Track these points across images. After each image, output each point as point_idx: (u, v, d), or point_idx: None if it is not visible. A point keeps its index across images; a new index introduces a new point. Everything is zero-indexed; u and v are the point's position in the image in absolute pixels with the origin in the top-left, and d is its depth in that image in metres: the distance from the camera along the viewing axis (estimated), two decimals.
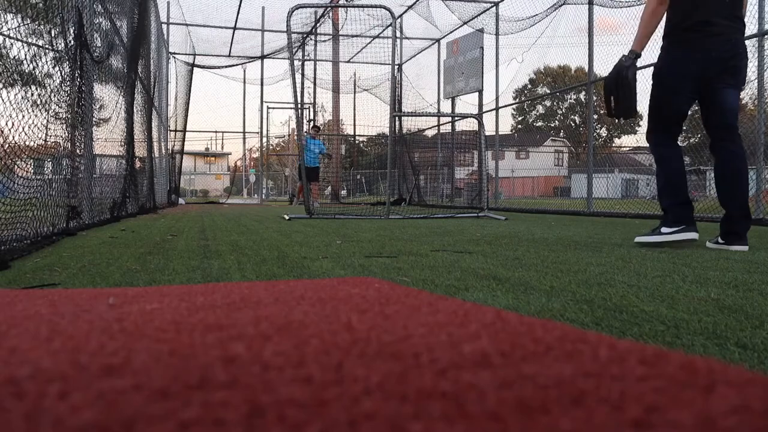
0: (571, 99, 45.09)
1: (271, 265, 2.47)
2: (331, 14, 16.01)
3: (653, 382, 0.68)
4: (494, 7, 12.14)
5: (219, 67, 18.65)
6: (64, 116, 4.14)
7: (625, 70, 3.36)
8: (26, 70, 3.46)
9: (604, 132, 41.45)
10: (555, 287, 1.84)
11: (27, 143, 3.23)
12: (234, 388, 0.66)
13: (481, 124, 9.25)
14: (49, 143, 3.75)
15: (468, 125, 13.71)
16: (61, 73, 4.10)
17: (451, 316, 1.11)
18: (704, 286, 1.88)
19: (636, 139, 43.20)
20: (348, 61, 17.87)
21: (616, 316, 1.41)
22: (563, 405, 0.60)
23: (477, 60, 12.84)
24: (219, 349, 0.85)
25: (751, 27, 5.81)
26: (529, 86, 41.78)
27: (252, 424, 0.55)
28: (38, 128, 3.41)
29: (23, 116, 3.12)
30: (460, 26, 13.49)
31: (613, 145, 41.83)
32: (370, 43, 16.23)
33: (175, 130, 16.74)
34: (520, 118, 48.35)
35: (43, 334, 0.97)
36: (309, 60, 17.50)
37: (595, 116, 10.48)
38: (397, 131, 14.71)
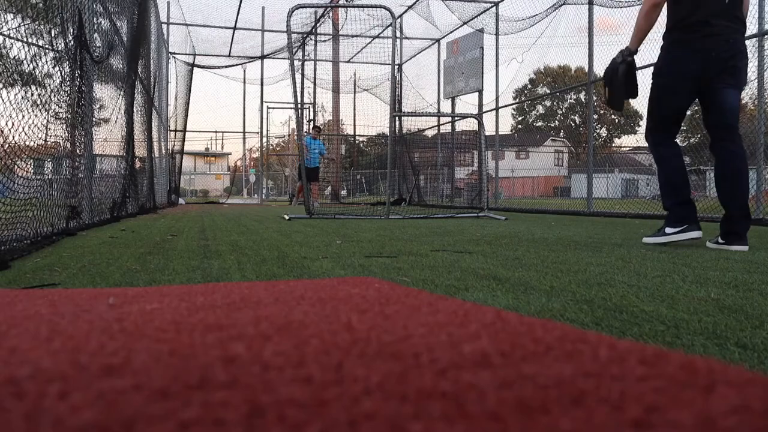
0: (571, 99, 45.10)
1: (271, 265, 2.47)
2: (331, 14, 16.02)
3: (653, 382, 0.68)
4: (494, 7, 12.14)
5: (219, 67, 18.65)
6: (64, 116, 4.14)
7: (617, 66, 3.46)
8: (26, 70, 3.46)
9: (604, 132, 41.48)
10: (555, 287, 1.84)
11: (27, 143, 3.23)
12: (234, 388, 0.66)
13: (481, 124, 9.25)
14: (49, 143, 3.75)
15: (468, 125, 13.72)
16: (61, 73, 4.10)
17: (451, 316, 1.11)
18: (704, 286, 1.88)
19: (636, 139, 43.22)
20: (348, 61, 17.87)
21: (616, 316, 1.41)
22: (563, 405, 0.60)
23: (477, 60, 12.84)
24: (219, 349, 0.85)
25: (751, 27, 5.80)
26: (529, 86, 41.78)
27: (252, 424, 0.55)
28: (38, 128, 3.41)
29: (23, 116, 3.12)
30: (460, 26, 13.49)
31: (613, 145, 41.86)
32: (370, 43, 16.23)
33: (175, 130, 16.74)
34: (520, 118, 48.37)
35: (43, 334, 0.97)
36: (309, 60, 17.50)
37: (595, 116, 10.48)
38: (397, 131, 14.72)
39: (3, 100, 2.83)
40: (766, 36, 6.14)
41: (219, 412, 0.58)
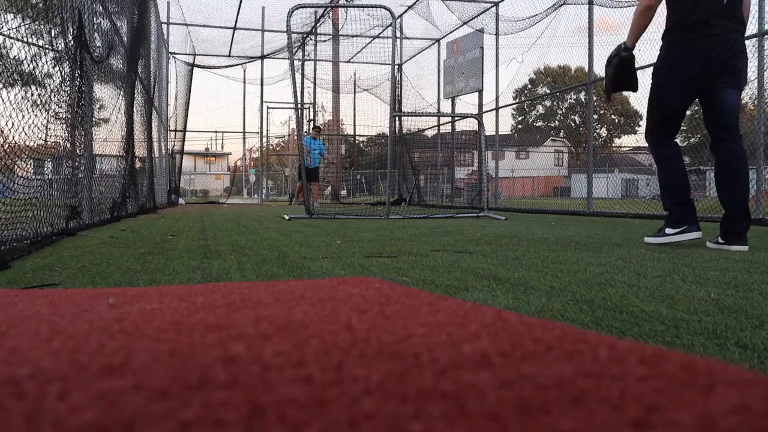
0: (571, 99, 45.11)
1: (271, 265, 2.47)
2: (331, 14, 16.02)
3: (653, 382, 0.68)
4: (494, 7, 12.14)
5: (219, 67, 18.65)
6: (64, 116, 4.14)
7: (611, 59, 3.56)
8: (26, 70, 3.46)
9: (604, 132, 41.47)
10: (555, 287, 1.84)
11: (27, 143, 3.23)
12: (234, 388, 0.66)
13: (481, 124, 9.25)
14: (49, 143, 3.75)
15: (468, 125, 13.72)
16: (61, 73, 4.10)
17: (451, 316, 1.11)
18: (704, 286, 1.88)
19: (636, 139, 43.22)
20: (348, 61, 17.87)
21: (616, 316, 1.41)
22: (563, 405, 0.60)
23: (477, 60, 12.84)
24: (219, 349, 0.85)
25: (751, 27, 5.81)
26: (529, 86, 41.79)
27: (252, 424, 0.55)
28: (38, 128, 3.41)
29: (23, 116, 3.12)
30: (460, 26, 13.49)
31: (613, 145, 41.86)
32: (370, 43, 16.23)
33: (175, 130, 16.74)
34: (520, 118, 48.37)
35: (43, 334, 0.97)
36: (309, 60, 17.50)
37: (595, 116, 10.48)
38: (397, 131, 14.72)
39: (3, 100, 2.83)
40: (766, 36, 6.14)
41: (219, 412, 0.58)
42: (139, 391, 0.65)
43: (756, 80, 6.11)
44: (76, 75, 4.41)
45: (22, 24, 3.57)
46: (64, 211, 4.09)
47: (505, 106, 12.82)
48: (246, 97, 22.94)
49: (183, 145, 17.78)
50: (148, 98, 9.83)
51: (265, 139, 20.88)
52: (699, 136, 11.52)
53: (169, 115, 16.17)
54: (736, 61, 3.23)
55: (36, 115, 3.38)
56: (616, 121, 42.02)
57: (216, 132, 59.62)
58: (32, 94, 3.42)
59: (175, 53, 16.67)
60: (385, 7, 7.43)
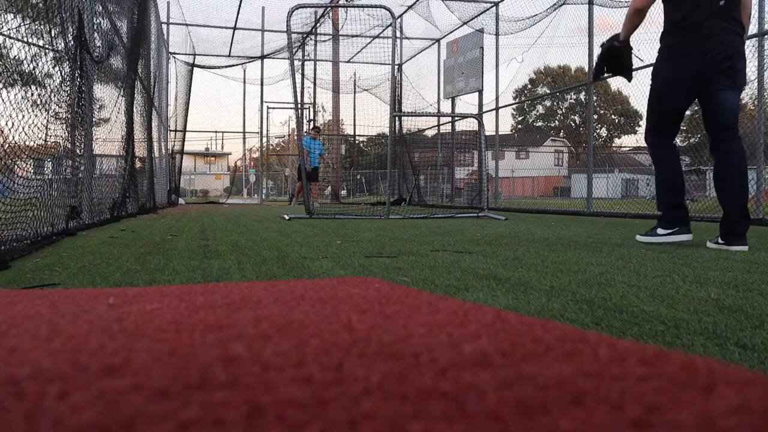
0: (571, 99, 45.12)
1: (271, 265, 2.47)
2: (331, 14, 16.01)
3: (653, 382, 0.68)
4: (494, 7, 12.14)
5: (219, 67, 18.65)
6: (64, 116, 4.14)
7: (604, 43, 3.69)
8: (26, 70, 3.46)
9: (604, 132, 41.46)
10: (555, 287, 1.84)
11: (27, 143, 3.23)
12: (234, 388, 0.66)
13: (481, 124, 9.25)
14: (49, 143, 3.75)
15: (468, 125, 13.71)
16: (61, 73, 4.10)
17: (451, 316, 1.11)
18: (704, 286, 1.88)
19: (636, 139, 43.25)
20: (348, 61, 17.87)
21: (616, 316, 1.41)
22: (563, 405, 0.60)
23: (477, 60, 12.84)
24: (219, 349, 0.85)
25: (751, 27, 5.81)
26: (529, 86, 41.79)
27: (252, 424, 0.55)
28: (38, 128, 3.41)
29: (23, 116, 3.12)
30: (460, 26, 13.49)
31: (613, 145, 41.85)
32: (370, 43, 16.23)
33: (175, 130, 16.74)
34: (520, 118, 48.38)
35: (43, 334, 0.97)
36: (309, 60, 17.50)
37: (595, 116, 10.48)
38: (397, 131, 14.72)
39: (3, 100, 2.83)
40: (766, 36, 6.14)
41: (219, 412, 0.58)
42: (139, 391, 0.65)
43: (756, 80, 6.11)
44: (76, 75, 4.41)
45: (22, 24, 3.57)
46: (64, 211, 4.09)
47: (505, 106, 12.82)
48: (246, 97, 22.96)
49: (183, 145, 17.78)
50: (148, 98, 9.83)
51: (265, 139, 20.89)
52: (699, 136, 11.52)
53: (169, 115, 16.17)
54: (733, 62, 3.24)
55: (36, 115, 3.38)
56: (616, 121, 42.02)
57: (216, 132, 59.68)
58: (32, 94, 3.42)
59: (175, 53, 16.67)
60: (385, 7, 7.43)
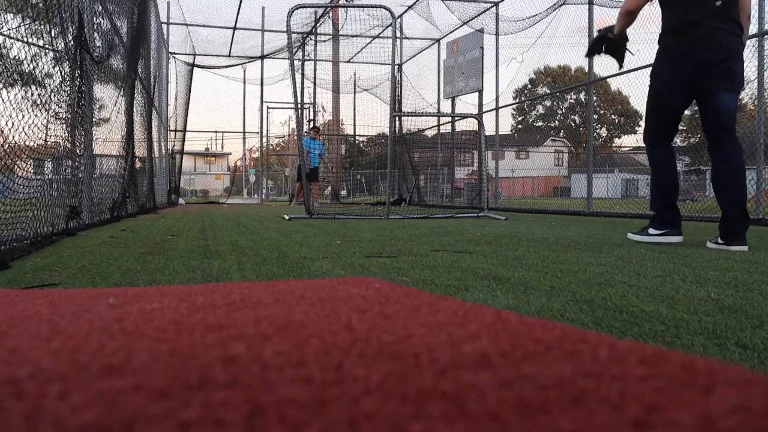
0: (571, 99, 45.11)
1: (271, 265, 2.47)
2: (331, 14, 16.01)
3: (653, 382, 0.68)
4: (494, 7, 12.14)
5: (219, 67, 18.65)
6: (64, 116, 4.14)
7: (600, 29, 3.78)
8: (26, 70, 3.46)
9: (604, 132, 41.47)
10: (555, 287, 1.84)
11: (27, 143, 3.23)
12: (234, 388, 0.66)
13: (481, 124, 9.25)
14: (49, 143, 3.75)
15: (468, 125, 13.71)
16: (61, 73, 4.10)
17: (451, 316, 1.11)
18: (704, 286, 1.88)
19: (636, 139, 43.22)
20: (348, 61, 17.87)
21: (616, 316, 1.41)
22: (563, 405, 0.60)
23: (477, 60, 12.84)
24: (219, 349, 0.85)
25: (751, 27, 5.81)
26: (529, 86, 41.80)
27: (252, 424, 0.55)
28: (38, 128, 3.41)
29: (23, 116, 3.12)
30: (460, 26, 13.49)
31: (613, 145, 41.85)
32: (370, 43, 16.23)
33: (175, 130, 16.74)
34: (520, 118, 48.38)
35: (43, 334, 0.97)
36: (309, 60, 17.50)
37: (595, 116, 10.48)
38: (397, 131, 14.72)
39: (3, 100, 2.83)
40: (766, 36, 6.14)
41: (219, 412, 0.58)
42: (139, 391, 0.65)
43: (756, 80, 6.11)
44: (76, 75, 4.41)
45: (22, 24, 3.57)
46: (64, 211, 4.09)
47: (505, 106, 12.82)
48: (246, 97, 22.95)
49: (183, 145, 17.78)
50: (148, 98, 9.83)
51: (265, 139, 20.89)
52: (699, 136, 11.51)
53: (169, 115, 16.17)
54: (730, 63, 3.24)
55: (36, 115, 3.38)
56: (616, 121, 42.03)
57: (216, 132, 59.68)
58: (32, 94, 3.42)
59: (175, 53, 16.67)
60: (385, 7, 7.43)
